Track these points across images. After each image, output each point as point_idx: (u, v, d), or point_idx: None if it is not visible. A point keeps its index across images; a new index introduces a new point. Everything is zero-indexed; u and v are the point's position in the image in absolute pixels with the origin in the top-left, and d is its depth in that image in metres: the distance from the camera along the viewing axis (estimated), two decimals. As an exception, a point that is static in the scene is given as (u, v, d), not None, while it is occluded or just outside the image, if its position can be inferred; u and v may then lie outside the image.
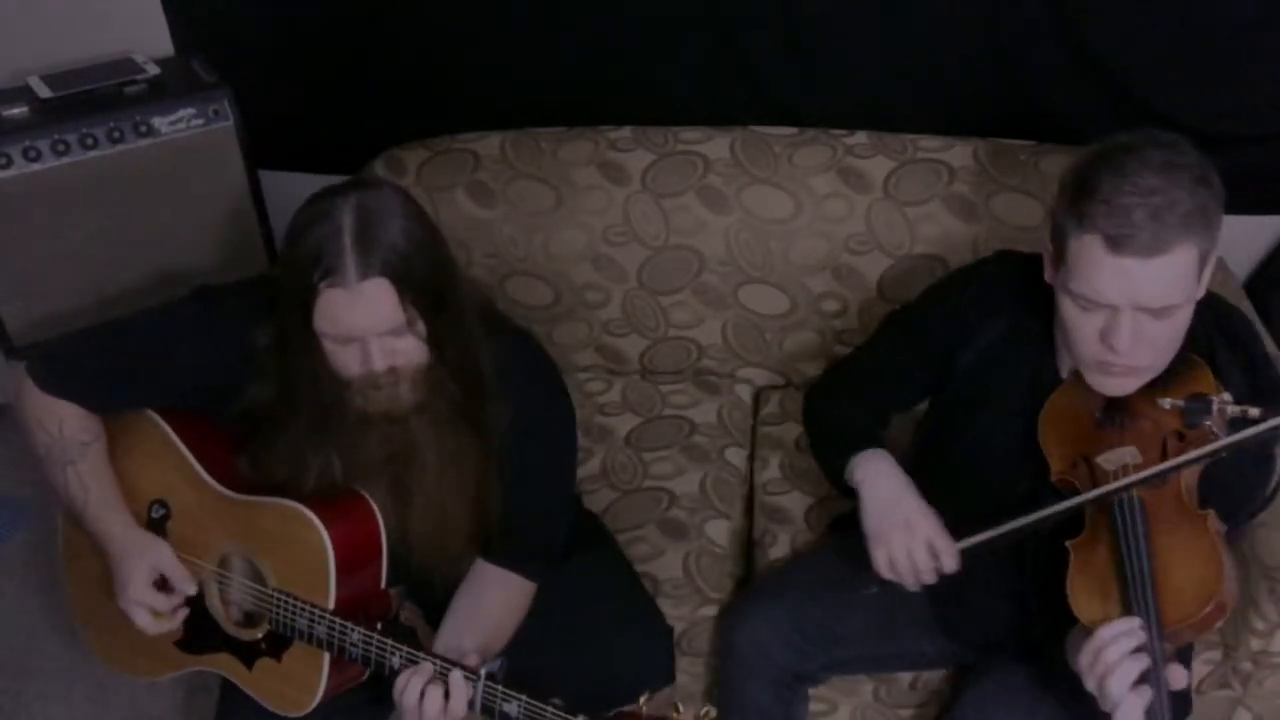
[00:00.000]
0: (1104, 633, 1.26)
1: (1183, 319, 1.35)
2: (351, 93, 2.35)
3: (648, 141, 2.12)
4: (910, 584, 1.47)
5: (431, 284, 1.37)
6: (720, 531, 1.94)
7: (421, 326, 1.38)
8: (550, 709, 1.31)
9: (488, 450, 1.51)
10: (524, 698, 1.32)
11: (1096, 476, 1.39)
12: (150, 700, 2.16)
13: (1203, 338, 1.43)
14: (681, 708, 1.27)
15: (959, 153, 2.05)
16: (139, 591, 1.52)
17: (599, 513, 1.93)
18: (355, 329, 1.35)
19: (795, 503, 1.96)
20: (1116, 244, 1.28)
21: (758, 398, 2.24)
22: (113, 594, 1.57)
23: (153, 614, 1.53)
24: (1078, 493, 1.39)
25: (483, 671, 1.36)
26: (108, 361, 1.54)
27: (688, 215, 2.09)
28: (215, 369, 1.50)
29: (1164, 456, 1.36)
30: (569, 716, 1.30)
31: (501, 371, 1.50)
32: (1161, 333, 1.34)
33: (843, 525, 1.88)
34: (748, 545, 1.97)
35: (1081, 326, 1.36)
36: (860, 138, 2.10)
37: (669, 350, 2.23)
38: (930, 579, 1.45)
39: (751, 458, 2.11)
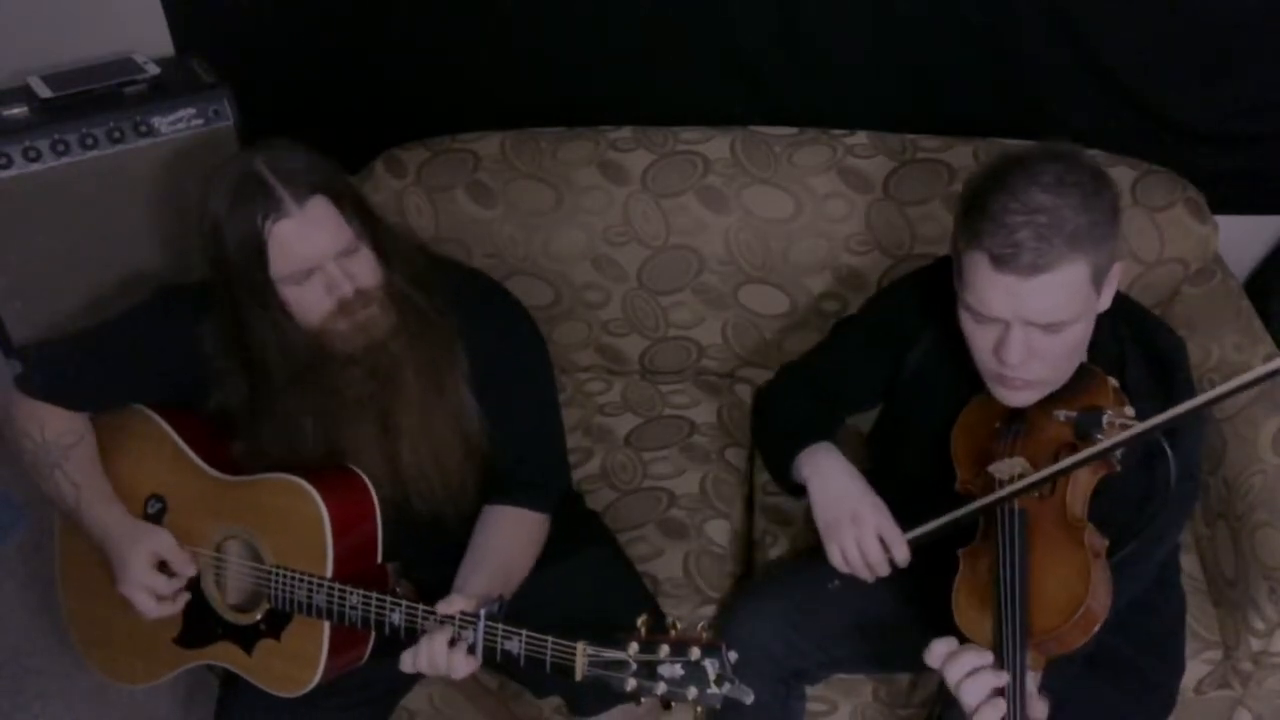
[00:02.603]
0: (938, 649, 1.30)
1: (1077, 334, 1.35)
2: (351, 93, 2.35)
3: (648, 141, 2.12)
4: (865, 576, 1.48)
5: (359, 197, 1.45)
6: (720, 531, 1.93)
7: (368, 240, 1.43)
8: (550, 640, 1.33)
9: (456, 364, 1.54)
10: (523, 633, 1.35)
11: (990, 486, 1.40)
12: (151, 700, 2.16)
13: (1114, 351, 1.44)
14: (680, 624, 1.29)
15: (959, 153, 2.05)
16: (140, 573, 1.52)
17: (599, 513, 1.93)
18: (312, 254, 1.39)
19: (795, 503, 1.95)
20: (1000, 262, 1.29)
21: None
22: (110, 603, 1.57)
23: (155, 598, 1.53)
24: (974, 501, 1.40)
25: (482, 613, 1.38)
26: (82, 362, 1.58)
27: (688, 215, 2.09)
28: (183, 362, 1.53)
29: None
30: (569, 644, 1.31)
31: (460, 305, 1.54)
32: (1054, 347, 1.35)
33: None
34: (748, 545, 1.97)
35: (977, 338, 1.38)
36: (860, 138, 2.10)
37: (669, 350, 2.23)
38: (884, 570, 1.47)
39: (751, 458, 2.11)
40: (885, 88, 2.17)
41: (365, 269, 1.43)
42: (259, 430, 1.52)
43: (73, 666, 2.21)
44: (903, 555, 1.46)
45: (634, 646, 1.27)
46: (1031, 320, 1.31)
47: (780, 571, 1.82)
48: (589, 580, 1.67)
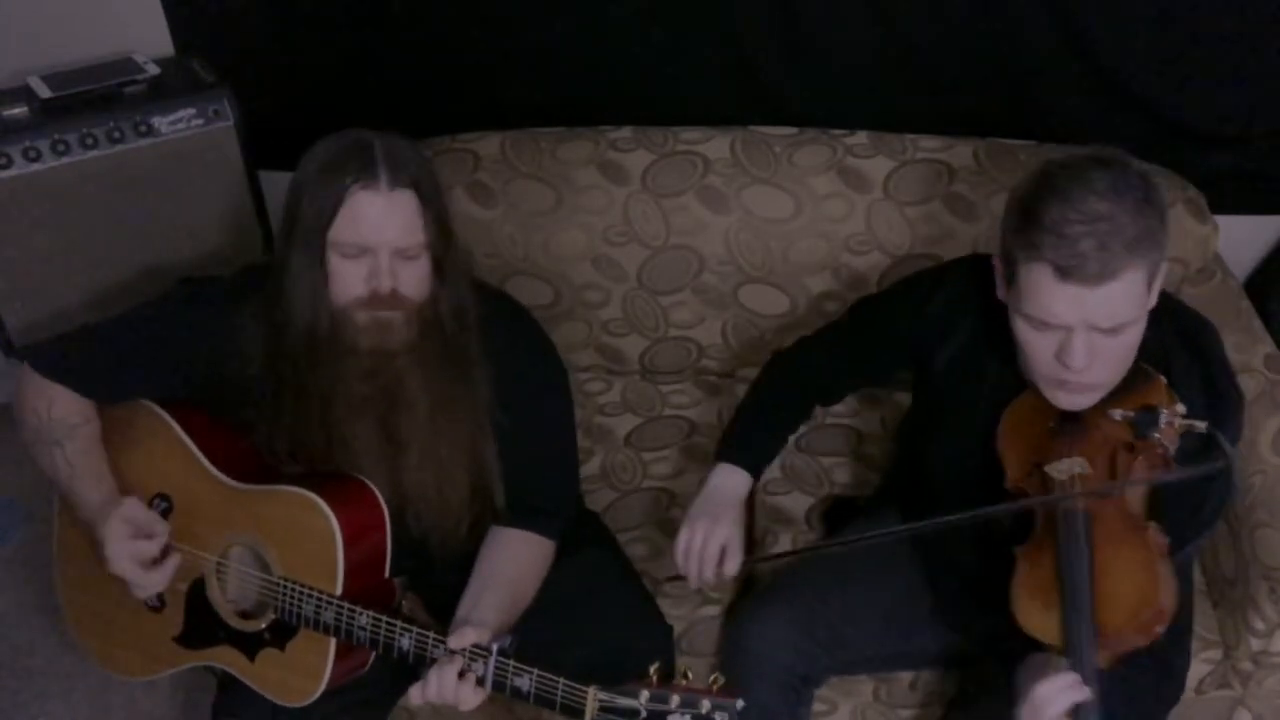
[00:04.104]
0: (1043, 690, 1.27)
1: (1136, 333, 1.36)
2: (351, 93, 2.35)
3: (648, 141, 2.12)
4: (693, 575, 1.56)
5: (444, 214, 1.47)
6: (720, 531, 1.93)
7: (430, 255, 1.45)
8: (562, 681, 1.33)
9: (477, 401, 1.54)
10: (535, 671, 1.35)
11: (1047, 485, 1.40)
12: (150, 700, 2.16)
13: (1156, 347, 1.44)
14: (690, 674, 1.29)
15: (959, 153, 2.05)
16: (119, 545, 1.48)
17: (599, 513, 1.93)
18: (375, 236, 1.41)
19: (795, 503, 1.96)
20: (1065, 273, 1.29)
21: (758, 398, 2.24)
22: (109, 595, 1.57)
23: (141, 565, 1.49)
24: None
25: (494, 647, 1.38)
26: (99, 350, 1.57)
27: (688, 215, 2.09)
28: (204, 351, 1.53)
29: (1113, 467, 1.38)
30: (580, 687, 1.31)
31: (486, 326, 1.54)
32: (1115, 348, 1.35)
33: (836, 514, 1.89)
34: (748, 545, 1.97)
35: (1036, 346, 1.38)
36: (860, 138, 2.10)
37: (669, 350, 2.23)
38: (709, 573, 1.55)
39: (751, 458, 2.11)
40: (885, 88, 2.17)
41: (414, 277, 1.44)
42: (274, 412, 1.52)
43: (73, 667, 2.21)
44: (732, 568, 1.55)
45: (645, 694, 1.27)
46: (1095, 324, 1.32)
47: (788, 574, 1.81)
48: (588, 581, 1.67)
